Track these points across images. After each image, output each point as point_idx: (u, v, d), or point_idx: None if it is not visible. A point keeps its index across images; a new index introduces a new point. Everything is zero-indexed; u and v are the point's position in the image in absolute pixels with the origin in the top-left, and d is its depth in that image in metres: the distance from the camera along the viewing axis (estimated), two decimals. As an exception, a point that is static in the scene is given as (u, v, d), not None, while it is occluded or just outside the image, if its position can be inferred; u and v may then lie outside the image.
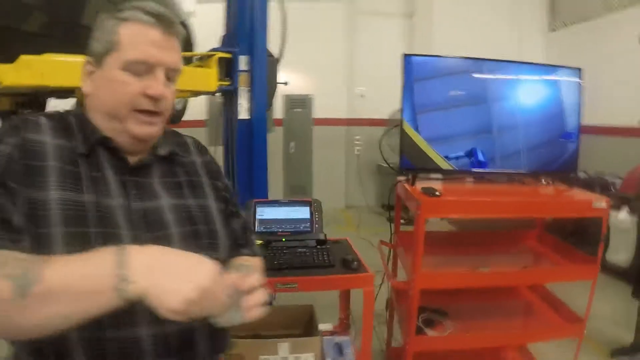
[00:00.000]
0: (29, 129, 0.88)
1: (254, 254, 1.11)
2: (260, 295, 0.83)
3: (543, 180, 2.46)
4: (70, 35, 1.85)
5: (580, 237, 3.09)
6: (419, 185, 2.22)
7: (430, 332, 2.22)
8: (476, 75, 2.32)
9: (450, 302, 2.40)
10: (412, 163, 2.30)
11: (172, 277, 0.70)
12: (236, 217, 1.14)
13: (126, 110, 0.90)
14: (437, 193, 2.05)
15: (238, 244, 1.11)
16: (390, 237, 2.63)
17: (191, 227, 0.97)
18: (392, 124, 6.22)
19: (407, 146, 2.27)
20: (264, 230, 2.18)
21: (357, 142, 7.00)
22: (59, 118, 0.95)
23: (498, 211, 2.13)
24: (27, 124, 0.89)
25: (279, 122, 6.33)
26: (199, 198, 1.03)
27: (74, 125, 0.94)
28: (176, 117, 3.46)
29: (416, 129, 2.26)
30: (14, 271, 0.69)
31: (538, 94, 2.37)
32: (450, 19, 6.40)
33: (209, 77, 2.45)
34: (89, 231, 0.83)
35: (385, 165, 6.66)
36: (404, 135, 2.26)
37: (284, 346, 1.90)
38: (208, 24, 3.88)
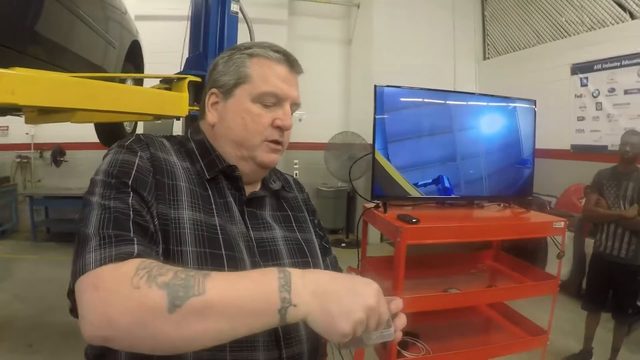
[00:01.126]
0: (157, 146, 0.91)
1: None
2: (404, 320, 0.83)
3: (501, 204, 2.63)
4: (23, 44, 1.68)
5: (525, 253, 3.35)
6: (391, 212, 2.28)
7: (407, 355, 2.28)
8: (442, 106, 2.45)
9: (418, 323, 2.48)
10: (384, 190, 2.36)
11: (338, 301, 0.68)
12: (329, 253, 1.18)
13: (258, 140, 0.95)
14: (415, 220, 2.11)
15: None
16: (358, 263, 2.65)
17: (301, 259, 0.99)
18: (331, 148, 6.44)
19: (379, 174, 2.33)
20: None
21: (295, 166, 7.01)
22: (179, 142, 0.99)
23: (473, 235, 2.26)
24: (153, 141, 0.91)
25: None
26: (304, 232, 1.07)
27: (196, 151, 0.97)
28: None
29: (387, 157, 2.33)
30: (172, 280, 0.64)
31: (498, 124, 2.55)
32: (388, 46, 6.62)
33: (181, 102, 2.29)
34: (220, 253, 0.84)
35: (324, 189, 6.88)
36: (376, 163, 2.32)
37: None
38: (145, 42, 3.72)
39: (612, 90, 4.94)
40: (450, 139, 2.45)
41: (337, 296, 0.68)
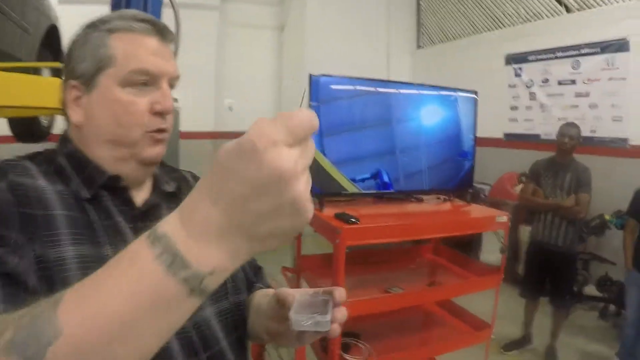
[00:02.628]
0: (17, 172, 0.72)
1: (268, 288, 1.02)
2: (345, 313, 0.69)
3: (441, 197, 2.56)
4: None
5: (461, 241, 3.33)
6: (328, 209, 2.15)
7: (348, 357, 2.17)
8: (381, 97, 2.33)
9: (359, 322, 2.38)
10: (319, 187, 2.22)
11: (257, 207, 0.41)
12: None
13: (137, 133, 0.78)
14: (354, 219, 1.99)
15: (250, 282, 1.00)
16: (293, 262, 2.52)
17: (224, 299, 0.84)
18: None
19: (313, 170, 2.16)
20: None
21: None
22: (46, 160, 0.79)
23: (416, 233, 2.17)
24: (12, 167, 0.73)
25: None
26: None
27: (68, 166, 0.78)
28: (44, 133, 3.06)
29: (322, 152, 2.19)
30: (16, 335, 0.43)
31: (438, 115, 2.46)
32: (321, 33, 6.47)
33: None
34: None
35: None
36: (310, 159, 2.17)
37: None
38: (72, 28, 3.39)
39: (545, 81, 5.06)
40: (389, 132, 2.34)
41: (251, 212, 0.41)
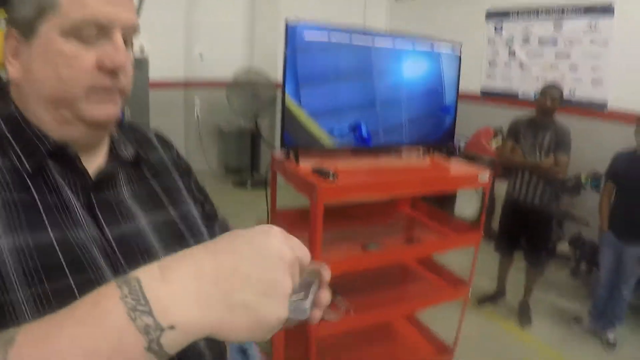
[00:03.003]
0: None
1: None
2: (328, 297, 0.58)
3: (421, 152, 2.48)
4: None
5: (436, 198, 3.29)
6: (304, 163, 2.05)
7: (326, 315, 2.13)
8: (362, 48, 2.20)
9: (336, 279, 2.32)
10: (294, 139, 2.12)
11: (245, 280, 0.43)
12: (216, 219, 0.93)
13: (78, 90, 0.64)
14: (332, 176, 1.90)
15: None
16: (267, 217, 2.42)
17: (181, 246, 0.72)
18: (235, 85, 5.99)
19: (289, 121, 2.08)
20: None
21: (196, 107, 6.52)
22: None
23: (395, 190, 2.10)
24: None
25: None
26: (179, 205, 0.81)
27: (7, 133, 0.65)
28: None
29: (299, 103, 2.07)
30: None
31: (420, 68, 2.36)
32: None
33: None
34: (67, 284, 0.58)
35: (226, 127, 6.51)
36: (286, 110, 2.06)
37: None
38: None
39: (526, 39, 4.96)
40: (369, 83, 2.22)
41: (239, 274, 0.42)
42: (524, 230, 3.36)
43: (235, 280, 0.42)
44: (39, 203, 0.61)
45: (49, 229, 0.60)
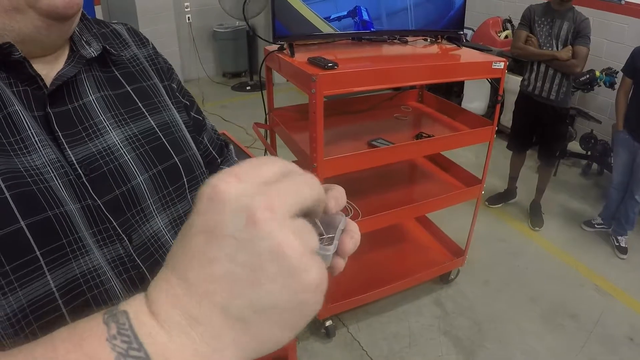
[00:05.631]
0: None
1: None
2: (357, 238, 0.42)
3: (428, 39, 2.23)
4: None
5: (440, 86, 3.07)
6: (300, 56, 1.83)
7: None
8: None
9: (341, 179, 2.18)
10: (288, 29, 1.88)
11: (266, 314, 0.29)
12: (204, 126, 0.78)
13: None
14: (332, 64, 1.68)
15: (216, 164, 0.79)
16: (265, 118, 2.23)
17: (162, 165, 0.60)
18: None
19: (280, 9, 1.82)
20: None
21: (187, 9, 6.04)
22: None
23: (402, 79, 1.88)
24: None
25: (96, 1, 5.28)
26: (159, 112, 0.64)
27: None
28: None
29: (291, -15, 1.81)
30: None
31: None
32: None
33: None
34: (17, 228, 0.44)
35: (221, 30, 6.20)
36: (275, -6, 1.79)
37: None
38: None
39: None
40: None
41: (269, 314, 0.28)
42: (538, 126, 3.18)
43: (264, 322, 0.28)
44: None
45: None
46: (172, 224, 0.61)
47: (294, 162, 0.32)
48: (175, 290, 0.28)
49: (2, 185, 0.43)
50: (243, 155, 1.75)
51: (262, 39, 2.35)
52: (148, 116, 0.62)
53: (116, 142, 0.56)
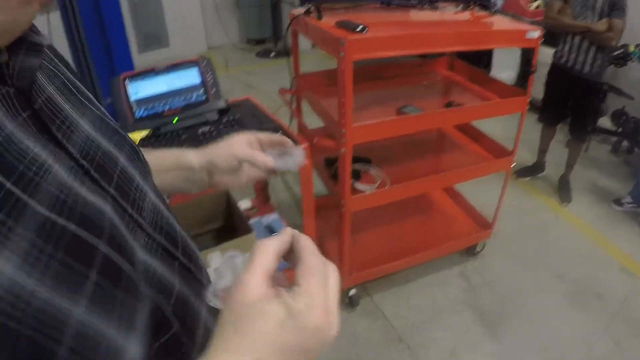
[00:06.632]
0: None
1: None
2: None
3: (460, 5, 2.17)
4: None
5: (468, 55, 3.00)
6: (328, 19, 1.79)
7: (360, 186, 1.98)
8: None
9: (370, 148, 2.15)
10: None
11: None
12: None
13: None
14: (361, 28, 1.65)
15: None
16: (291, 83, 2.21)
17: (125, 143, 0.58)
18: None
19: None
20: (145, 113, 1.64)
21: None
22: None
23: (433, 45, 1.82)
24: None
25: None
26: (87, 95, 0.57)
27: None
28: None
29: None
30: None
31: None
32: None
33: None
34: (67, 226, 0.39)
35: None
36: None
37: (215, 256, 1.50)
38: None
39: None
40: None
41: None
42: (570, 100, 3.09)
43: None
44: None
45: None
46: (155, 191, 0.59)
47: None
48: None
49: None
50: (267, 120, 1.73)
51: (287, 2, 2.32)
52: (91, 100, 0.56)
53: (89, 131, 0.50)
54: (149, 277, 0.48)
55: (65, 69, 0.55)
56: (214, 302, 0.48)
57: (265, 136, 0.83)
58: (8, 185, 0.34)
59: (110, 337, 0.39)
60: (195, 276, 0.59)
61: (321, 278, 0.44)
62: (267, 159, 0.79)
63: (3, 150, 0.35)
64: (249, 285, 0.41)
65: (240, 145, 0.82)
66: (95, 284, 0.38)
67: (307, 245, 0.46)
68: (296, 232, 0.47)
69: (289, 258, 0.47)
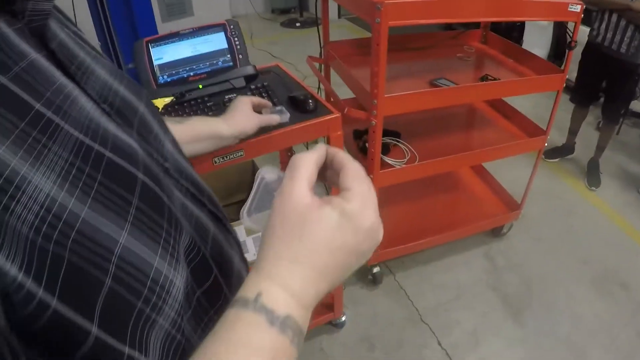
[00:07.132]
0: None
1: None
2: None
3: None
4: None
5: (498, 29, 2.88)
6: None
7: (389, 161, 1.92)
8: None
9: (400, 121, 2.07)
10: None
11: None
12: None
13: None
14: (396, -9, 1.56)
15: None
16: (320, 52, 2.13)
17: (143, 94, 0.54)
18: None
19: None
20: (169, 79, 1.57)
21: None
22: None
23: (472, 14, 1.71)
24: None
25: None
26: (98, 50, 0.54)
27: None
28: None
29: None
30: None
31: None
32: None
33: None
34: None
35: None
36: None
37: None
38: None
39: None
40: None
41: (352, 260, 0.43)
42: (604, 80, 2.98)
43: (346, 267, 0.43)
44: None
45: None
46: (176, 147, 0.55)
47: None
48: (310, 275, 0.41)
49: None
50: (297, 87, 1.67)
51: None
52: (102, 55, 0.52)
53: (106, 77, 0.47)
54: (187, 215, 0.47)
55: (72, 26, 0.51)
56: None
57: (255, 99, 1.07)
58: (37, 106, 0.33)
59: (157, 266, 0.38)
60: (225, 225, 0.58)
61: (368, 181, 0.45)
62: (277, 118, 1.10)
63: (28, 76, 0.34)
64: (299, 195, 0.42)
65: (252, 112, 1.04)
66: (138, 209, 0.37)
67: (346, 155, 0.47)
68: (329, 146, 0.47)
69: (323, 175, 0.48)
